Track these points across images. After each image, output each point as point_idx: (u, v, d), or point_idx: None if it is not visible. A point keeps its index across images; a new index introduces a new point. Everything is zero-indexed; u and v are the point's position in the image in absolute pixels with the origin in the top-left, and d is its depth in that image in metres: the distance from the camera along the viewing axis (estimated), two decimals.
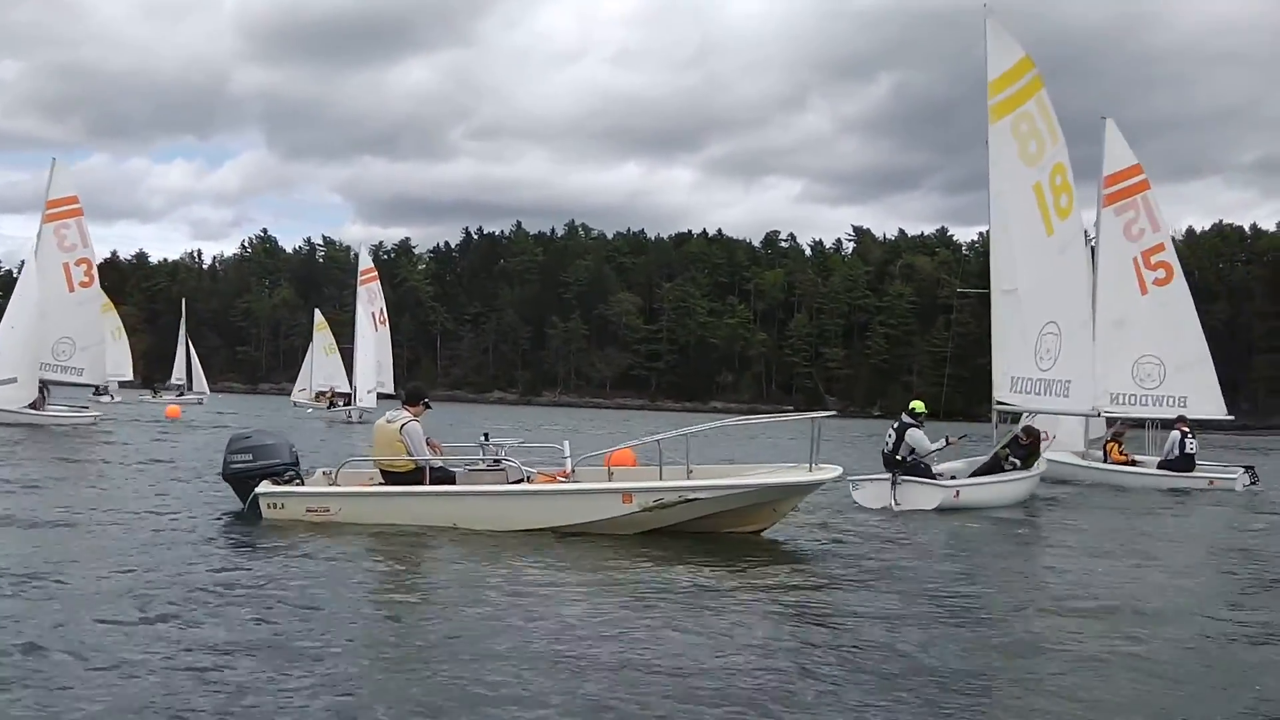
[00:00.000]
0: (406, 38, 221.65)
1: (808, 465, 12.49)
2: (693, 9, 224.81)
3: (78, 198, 35.87)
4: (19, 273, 36.22)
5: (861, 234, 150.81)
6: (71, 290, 35.02)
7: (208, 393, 76.12)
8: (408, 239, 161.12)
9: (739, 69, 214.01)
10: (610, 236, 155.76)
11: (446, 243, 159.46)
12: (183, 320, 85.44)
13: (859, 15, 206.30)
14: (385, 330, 54.83)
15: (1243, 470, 22.75)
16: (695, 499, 12.03)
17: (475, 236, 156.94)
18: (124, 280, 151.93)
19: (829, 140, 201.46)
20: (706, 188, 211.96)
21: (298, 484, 12.84)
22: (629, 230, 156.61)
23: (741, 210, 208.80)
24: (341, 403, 58.14)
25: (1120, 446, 24.02)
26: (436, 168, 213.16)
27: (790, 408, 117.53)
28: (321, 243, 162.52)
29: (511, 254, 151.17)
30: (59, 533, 11.44)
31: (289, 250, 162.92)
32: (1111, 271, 24.97)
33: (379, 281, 55.97)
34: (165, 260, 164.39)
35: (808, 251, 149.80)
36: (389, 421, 12.68)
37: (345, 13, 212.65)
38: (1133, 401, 24.66)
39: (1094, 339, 22.09)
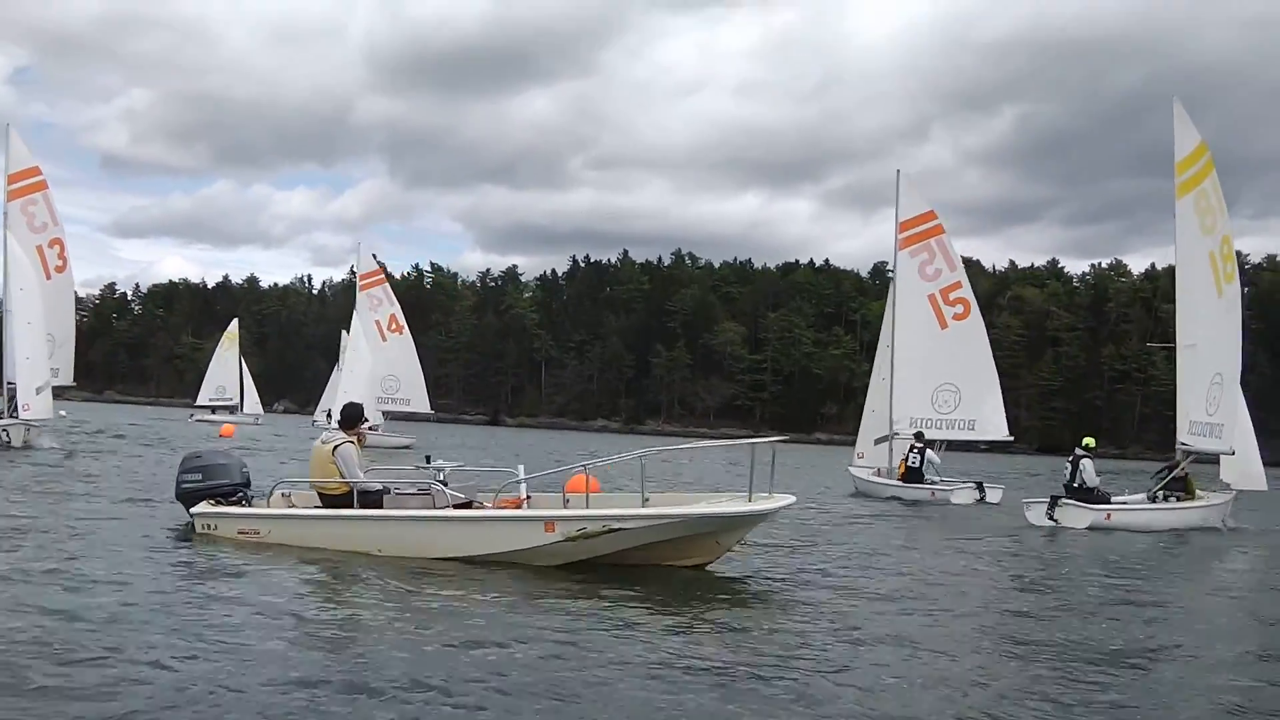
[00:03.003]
0: (529, 68, 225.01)
1: (754, 495, 11.58)
2: (814, 41, 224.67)
3: (40, 169, 31.61)
4: None
5: (970, 265, 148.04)
6: (49, 278, 31.05)
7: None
8: (514, 266, 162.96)
9: (861, 101, 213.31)
10: (718, 266, 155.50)
11: (553, 270, 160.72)
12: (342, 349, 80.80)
13: (983, 47, 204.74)
14: (404, 338, 50.32)
15: (972, 486, 26.13)
16: (621, 529, 11.29)
17: (582, 265, 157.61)
18: (235, 304, 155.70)
19: (951, 172, 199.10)
20: (825, 219, 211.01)
21: (245, 505, 12.71)
22: (735, 259, 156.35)
23: (861, 242, 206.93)
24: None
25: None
26: (556, 197, 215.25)
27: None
28: (429, 269, 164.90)
29: (618, 282, 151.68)
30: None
31: (397, 276, 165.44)
32: (909, 308, 28.46)
33: (386, 285, 51.78)
34: (275, 285, 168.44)
35: None
36: (324, 443, 12.52)
37: (469, 44, 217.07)
38: (928, 425, 27.66)
39: (891, 371, 28.21)
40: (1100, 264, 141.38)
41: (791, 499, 12.00)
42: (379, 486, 12.41)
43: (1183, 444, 22.25)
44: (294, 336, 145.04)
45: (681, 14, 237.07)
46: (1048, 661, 8.29)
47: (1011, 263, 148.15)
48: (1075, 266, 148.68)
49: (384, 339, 48.70)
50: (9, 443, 27.52)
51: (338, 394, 73.64)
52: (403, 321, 49.65)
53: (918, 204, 29.25)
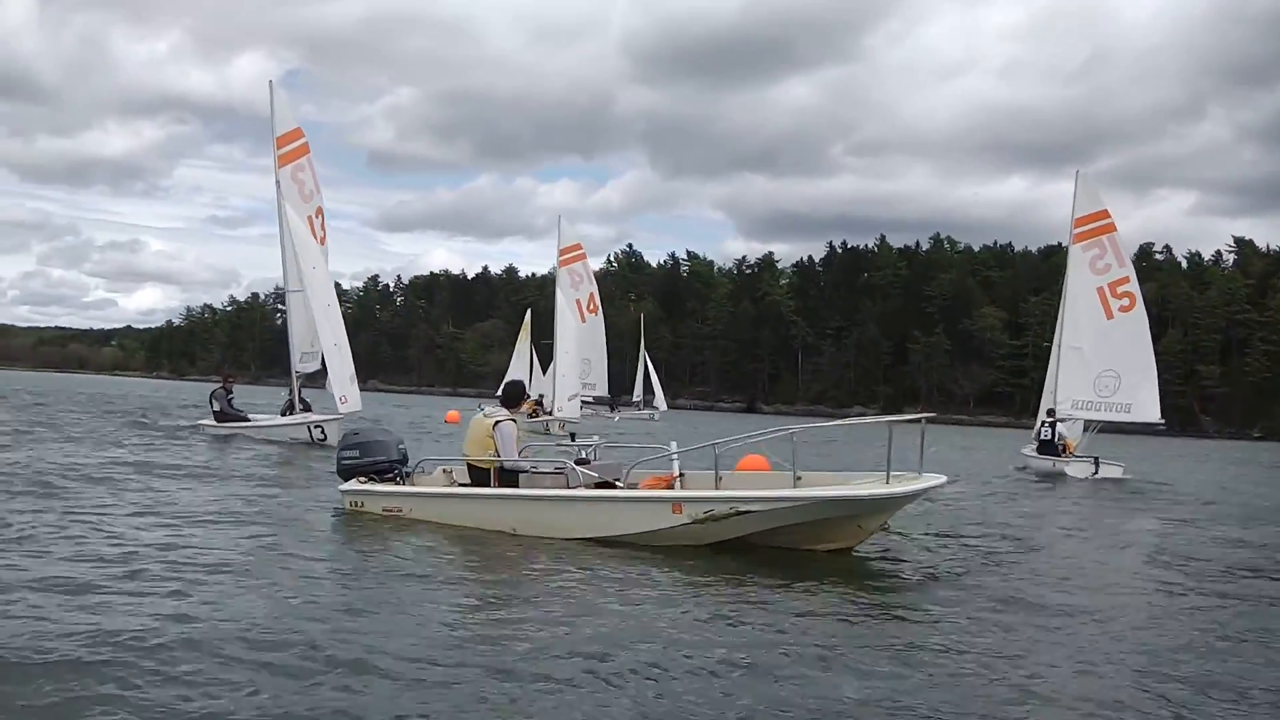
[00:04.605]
0: (789, 55, 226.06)
1: (903, 476, 11.00)
2: (1080, 19, 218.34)
3: (302, 130, 27.69)
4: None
5: (1243, 245, 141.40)
6: None
7: (663, 407, 69.75)
8: (770, 253, 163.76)
9: (1130, 79, 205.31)
10: (977, 250, 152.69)
11: (810, 256, 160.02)
12: (641, 336, 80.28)
13: (1259, 19, 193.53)
14: (597, 320, 46.62)
15: (1089, 460, 27.60)
16: (748, 511, 10.93)
17: (839, 251, 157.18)
18: (493, 294, 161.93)
19: (1227, 150, 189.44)
20: None
21: (400, 482, 13.09)
22: (995, 243, 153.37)
23: (1131, 224, 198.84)
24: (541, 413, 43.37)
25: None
26: (817, 183, 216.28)
27: (1163, 424, 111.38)
28: (685, 257, 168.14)
29: (875, 268, 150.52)
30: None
31: (653, 265, 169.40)
32: (1078, 298, 30.29)
33: (586, 261, 47.16)
34: (534, 275, 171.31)
35: (1184, 264, 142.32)
36: (485, 417, 12.49)
37: (728, 33, 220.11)
38: (1090, 407, 29.81)
39: (1058, 356, 30.23)
40: None
41: (941, 479, 11.23)
42: (526, 466, 12.40)
43: None
44: (549, 324, 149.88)
45: None
46: None
47: None
48: None
49: (583, 319, 45.38)
50: (324, 440, 24.86)
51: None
52: (599, 302, 47.03)
53: (1094, 202, 30.96)
